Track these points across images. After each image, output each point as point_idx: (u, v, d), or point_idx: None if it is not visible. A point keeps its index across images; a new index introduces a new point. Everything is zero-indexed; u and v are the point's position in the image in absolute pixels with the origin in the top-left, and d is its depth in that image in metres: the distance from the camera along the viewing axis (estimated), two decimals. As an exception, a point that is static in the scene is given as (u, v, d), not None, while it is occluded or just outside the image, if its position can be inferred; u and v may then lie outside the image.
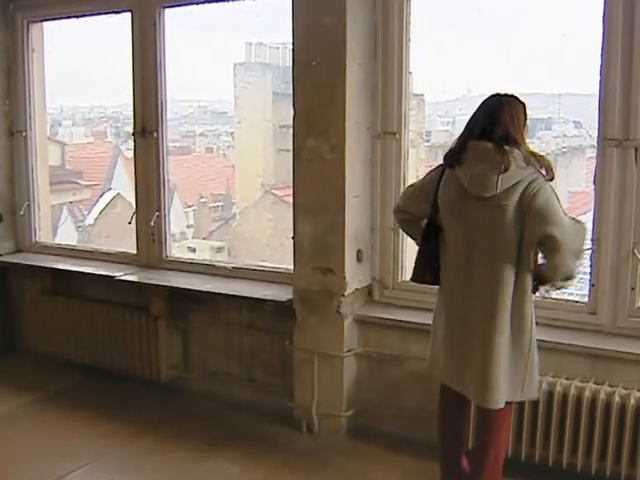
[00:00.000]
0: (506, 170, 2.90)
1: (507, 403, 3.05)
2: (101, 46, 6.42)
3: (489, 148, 2.93)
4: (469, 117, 3.06)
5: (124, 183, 7.01)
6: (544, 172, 2.94)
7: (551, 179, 2.93)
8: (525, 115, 3.02)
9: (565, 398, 3.42)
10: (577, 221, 3.03)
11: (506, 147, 2.91)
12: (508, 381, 3.00)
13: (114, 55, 6.09)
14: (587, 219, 6.48)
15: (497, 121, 2.95)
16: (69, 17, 5.10)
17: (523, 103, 3.02)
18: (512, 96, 3.04)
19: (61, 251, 5.33)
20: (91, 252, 5.21)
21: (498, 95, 3.03)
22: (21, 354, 5.36)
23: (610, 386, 3.39)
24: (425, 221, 3.16)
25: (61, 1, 4.89)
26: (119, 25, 4.82)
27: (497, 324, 2.96)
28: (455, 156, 3.02)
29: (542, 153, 3.05)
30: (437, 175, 3.11)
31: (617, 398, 3.32)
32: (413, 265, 3.27)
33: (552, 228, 2.88)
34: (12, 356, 5.32)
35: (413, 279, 3.28)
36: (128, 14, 4.71)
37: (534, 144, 7.81)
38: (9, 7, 5.13)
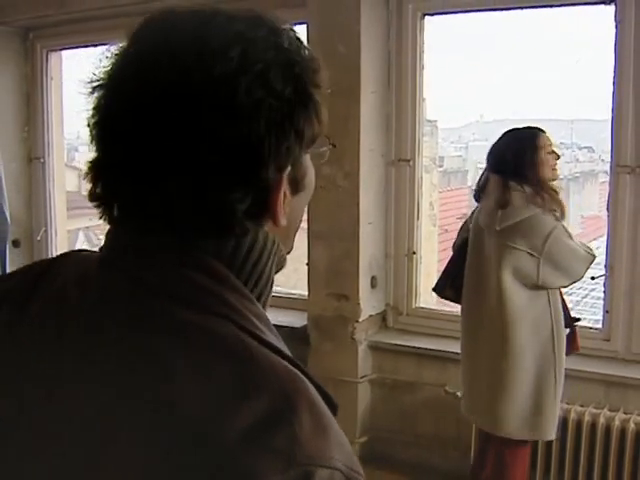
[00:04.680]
0: (504, 206, 2.94)
1: (521, 441, 3.04)
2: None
3: (496, 181, 2.99)
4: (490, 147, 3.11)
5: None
6: (554, 211, 2.95)
7: (561, 217, 2.96)
8: (543, 150, 2.99)
9: (579, 425, 3.40)
10: (588, 251, 3.03)
11: (511, 183, 2.94)
12: (520, 415, 3.00)
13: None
14: (600, 244, 6.49)
15: (509, 155, 2.98)
16: (87, 46, 5.18)
17: (540, 138, 3.00)
18: (533, 129, 3.05)
19: (77, 276, 5.36)
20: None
21: (520, 128, 3.07)
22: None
23: (625, 413, 3.38)
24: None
25: (80, 30, 4.96)
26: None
27: (517, 361, 2.97)
28: (480, 188, 3.08)
29: (557, 190, 3.05)
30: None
31: (632, 425, 3.31)
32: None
33: (563, 280, 2.95)
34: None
35: (434, 289, 3.32)
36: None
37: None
38: (29, 36, 5.22)
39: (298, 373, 0.72)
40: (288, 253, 0.87)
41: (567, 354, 3.10)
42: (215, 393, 0.67)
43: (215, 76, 0.72)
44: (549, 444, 3.44)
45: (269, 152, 0.75)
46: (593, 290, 6.10)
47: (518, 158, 2.97)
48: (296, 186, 0.81)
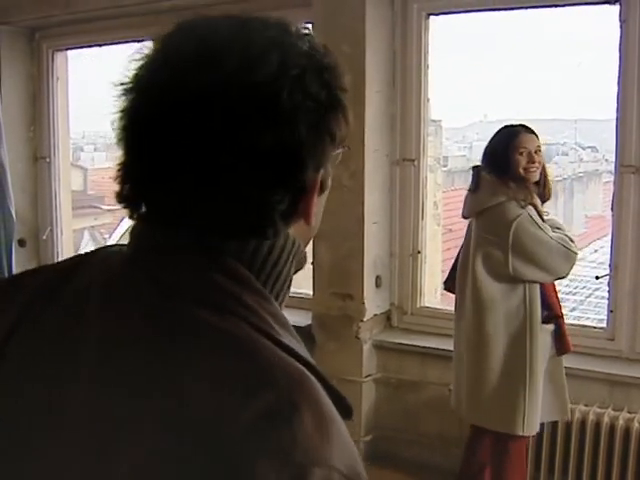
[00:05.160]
0: (472, 191, 3.07)
1: (510, 436, 3.06)
2: (125, 73, 6.53)
3: (474, 171, 3.08)
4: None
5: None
6: (520, 200, 2.98)
7: (524, 206, 2.98)
8: (522, 145, 3.02)
9: (584, 424, 3.41)
10: (564, 244, 3.02)
11: (483, 172, 3.01)
12: (490, 406, 3.05)
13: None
14: (604, 243, 6.48)
15: (487, 148, 3.08)
16: (93, 46, 5.20)
17: (512, 133, 3.05)
18: (516, 127, 3.10)
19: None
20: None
21: (511, 125, 3.13)
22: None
23: (629, 412, 3.38)
24: None
25: (85, 30, 4.98)
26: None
27: (485, 352, 3.02)
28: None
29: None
30: None
31: (636, 424, 3.32)
32: None
33: (536, 273, 2.97)
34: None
35: (444, 283, 3.37)
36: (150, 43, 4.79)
37: (550, 169, 7.87)
38: (35, 36, 5.24)
39: (306, 373, 0.72)
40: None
41: (559, 354, 3.10)
42: (220, 391, 0.68)
43: (257, 81, 0.74)
44: (553, 443, 3.45)
45: (308, 154, 0.76)
46: (597, 290, 6.11)
47: (495, 151, 3.05)
48: (322, 186, 0.83)
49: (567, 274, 3.10)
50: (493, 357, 3.02)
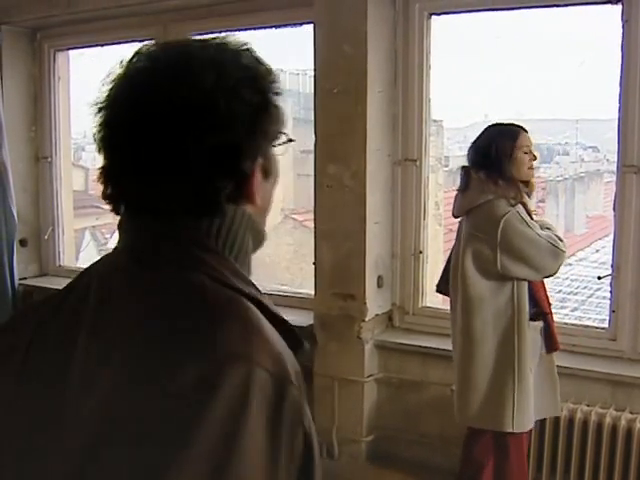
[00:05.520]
0: (462, 190, 3.08)
1: (505, 433, 3.07)
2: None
3: (463, 171, 3.10)
4: None
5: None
6: (510, 198, 2.98)
7: (514, 204, 2.98)
8: (515, 144, 3.04)
9: (586, 425, 3.41)
10: (552, 242, 3.02)
11: (472, 170, 3.03)
12: (480, 404, 3.07)
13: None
14: (605, 243, 6.47)
15: (476, 146, 3.08)
16: (94, 45, 5.20)
17: (513, 132, 3.06)
18: (509, 125, 3.12)
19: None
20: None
21: (500, 124, 3.14)
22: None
23: (631, 413, 3.38)
24: None
25: (87, 30, 4.98)
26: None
27: (474, 350, 3.04)
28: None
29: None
30: None
31: (638, 425, 3.31)
32: None
33: (523, 270, 2.98)
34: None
35: (436, 285, 3.37)
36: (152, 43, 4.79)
37: (551, 169, 7.85)
38: (36, 36, 5.24)
39: (236, 298, 0.93)
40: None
41: (548, 351, 3.10)
42: (170, 317, 0.90)
43: (198, 94, 0.93)
44: (555, 444, 3.45)
45: (244, 148, 0.96)
46: (598, 289, 6.10)
47: (489, 149, 3.04)
48: (266, 173, 1.02)
49: (555, 272, 3.11)
50: (482, 355, 3.04)
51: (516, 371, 2.99)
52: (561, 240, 3.06)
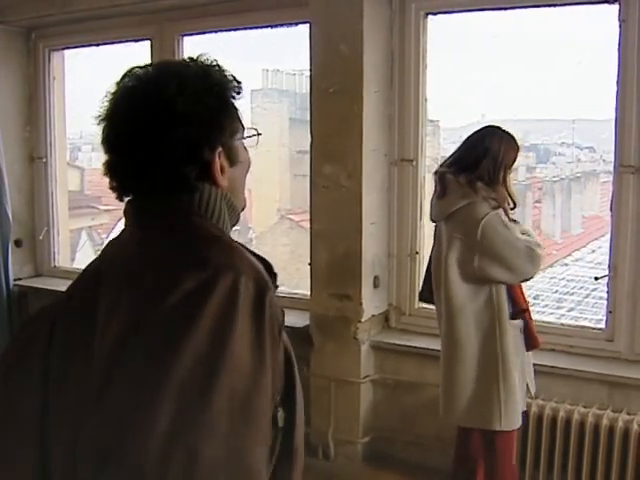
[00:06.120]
0: (441, 196, 3.08)
1: (493, 431, 3.07)
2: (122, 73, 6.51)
3: (437, 176, 3.11)
4: None
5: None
6: (492, 201, 2.98)
7: (497, 207, 2.98)
8: (517, 155, 3.09)
9: (582, 426, 3.39)
10: (530, 246, 3.01)
11: (448, 175, 3.02)
12: (466, 403, 3.08)
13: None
14: (601, 244, 6.47)
15: (472, 145, 3.08)
16: (90, 45, 5.18)
17: (500, 135, 3.06)
18: (490, 127, 3.12)
19: (79, 276, 5.36)
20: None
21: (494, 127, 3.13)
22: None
23: (628, 414, 3.37)
24: None
25: (82, 30, 4.96)
26: (139, 53, 4.90)
27: (458, 352, 3.06)
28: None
29: (510, 186, 3.11)
30: None
31: (635, 426, 3.30)
32: None
33: (500, 273, 2.98)
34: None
35: (419, 293, 3.37)
36: (147, 42, 4.78)
37: (548, 169, 7.85)
38: (31, 36, 5.22)
39: (220, 237, 1.22)
40: (242, 209, 1.35)
41: (528, 349, 3.10)
42: (173, 255, 1.16)
43: (164, 99, 1.19)
44: (552, 444, 3.44)
45: (203, 141, 1.22)
46: (595, 290, 6.10)
47: (468, 151, 3.07)
48: (232, 160, 1.28)
49: (531, 277, 3.11)
50: (466, 356, 3.06)
51: (500, 370, 3.00)
52: (539, 246, 3.06)
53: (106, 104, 1.25)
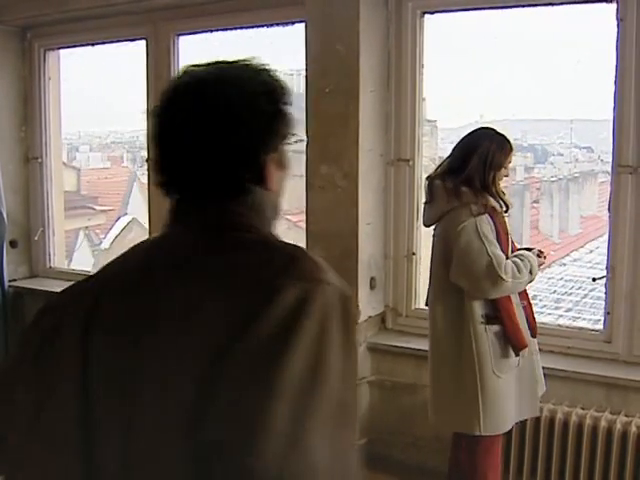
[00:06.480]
0: (429, 201, 3.10)
1: (474, 436, 3.05)
2: (118, 73, 6.48)
3: (427, 181, 3.13)
4: None
5: (140, 208, 7.08)
6: (474, 207, 2.95)
7: (481, 213, 2.94)
8: (509, 159, 3.05)
9: (580, 428, 3.37)
10: (493, 265, 2.90)
11: (436, 180, 3.04)
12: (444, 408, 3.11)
13: (131, 81, 6.15)
14: (599, 244, 6.45)
15: (465, 146, 3.06)
16: (85, 45, 5.17)
17: (491, 135, 3.04)
18: (482, 128, 3.11)
19: (75, 277, 5.33)
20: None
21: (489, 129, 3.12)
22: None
23: (626, 416, 3.35)
24: None
25: (77, 29, 4.94)
26: (135, 52, 4.89)
27: (441, 351, 3.09)
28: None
29: (501, 189, 3.07)
30: None
31: (634, 428, 3.28)
32: None
33: (462, 281, 2.97)
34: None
35: (426, 299, 3.34)
36: (143, 42, 4.76)
37: (546, 169, 7.84)
38: (26, 35, 5.20)
39: (298, 246, 1.24)
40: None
41: (515, 353, 3.00)
42: (258, 266, 1.16)
43: (226, 103, 1.21)
44: (550, 447, 3.42)
45: (260, 145, 1.23)
46: (593, 290, 6.08)
47: (459, 155, 3.05)
48: (280, 165, 1.28)
49: (489, 295, 2.97)
50: (443, 358, 3.08)
51: (477, 374, 2.97)
52: (508, 274, 2.91)
53: (161, 100, 1.25)
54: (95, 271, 1.34)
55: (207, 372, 1.07)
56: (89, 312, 1.20)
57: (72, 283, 1.31)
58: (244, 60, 1.29)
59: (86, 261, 7.55)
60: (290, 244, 1.24)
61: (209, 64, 1.29)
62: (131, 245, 1.34)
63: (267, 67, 1.28)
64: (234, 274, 1.16)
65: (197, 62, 1.31)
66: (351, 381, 1.17)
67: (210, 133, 1.20)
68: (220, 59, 1.31)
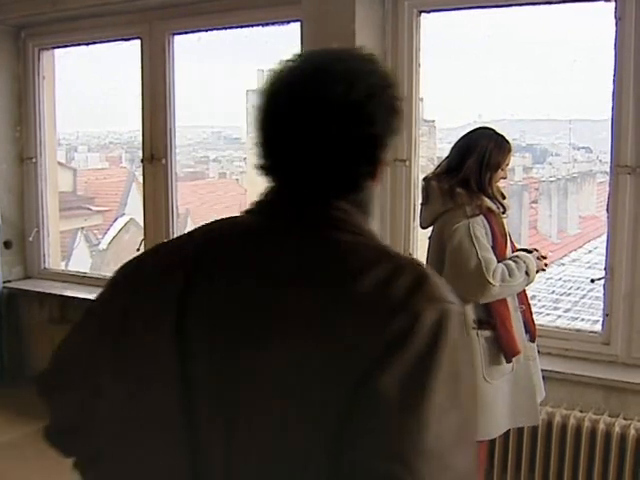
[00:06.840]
0: (424, 203, 3.07)
1: None
2: (113, 72, 6.45)
3: (424, 182, 3.10)
4: None
5: (138, 208, 7.07)
6: (469, 209, 2.90)
7: (475, 214, 2.90)
8: (507, 160, 3.00)
9: (579, 431, 3.34)
10: (480, 269, 2.85)
11: (432, 181, 3.00)
12: None
13: (126, 81, 6.12)
14: (598, 244, 6.43)
15: (464, 146, 3.02)
16: (80, 44, 5.14)
17: (489, 135, 3.00)
18: (481, 128, 3.07)
19: (70, 278, 5.32)
20: (101, 279, 5.18)
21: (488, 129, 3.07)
22: (28, 381, 5.30)
23: (625, 419, 3.32)
24: None
25: (72, 28, 4.91)
26: (130, 51, 4.86)
27: None
28: None
29: (500, 189, 3.04)
30: None
31: (632, 431, 3.25)
32: None
33: (453, 283, 2.88)
34: (19, 383, 5.28)
35: None
36: (137, 41, 4.73)
37: (544, 169, 7.82)
38: (20, 35, 5.17)
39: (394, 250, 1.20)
40: None
41: (507, 360, 2.93)
42: (379, 273, 1.09)
43: (352, 99, 1.14)
44: (548, 451, 3.39)
45: (383, 141, 1.19)
46: (591, 290, 6.06)
47: (457, 155, 3.01)
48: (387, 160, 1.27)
49: (476, 299, 2.91)
50: None
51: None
52: (511, 275, 2.88)
53: (274, 81, 1.19)
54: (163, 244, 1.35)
55: (351, 395, 1.03)
56: (182, 292, 1.14)
57: (154, 248, 1.31)
58: (353, 50, 1.27)
59: (84, 261, 7.53)
60: (402, 255, 1.20)
61: (320, 53, 1.25)
62: (191, 229, 1.29)
63: (375, 58, 1.26)
64: (354, 285, 1.08)
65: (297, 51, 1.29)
66: (476, 397, 1.21)
67: (335, 123, 1.13)
68: (325, 48, 1.28)
